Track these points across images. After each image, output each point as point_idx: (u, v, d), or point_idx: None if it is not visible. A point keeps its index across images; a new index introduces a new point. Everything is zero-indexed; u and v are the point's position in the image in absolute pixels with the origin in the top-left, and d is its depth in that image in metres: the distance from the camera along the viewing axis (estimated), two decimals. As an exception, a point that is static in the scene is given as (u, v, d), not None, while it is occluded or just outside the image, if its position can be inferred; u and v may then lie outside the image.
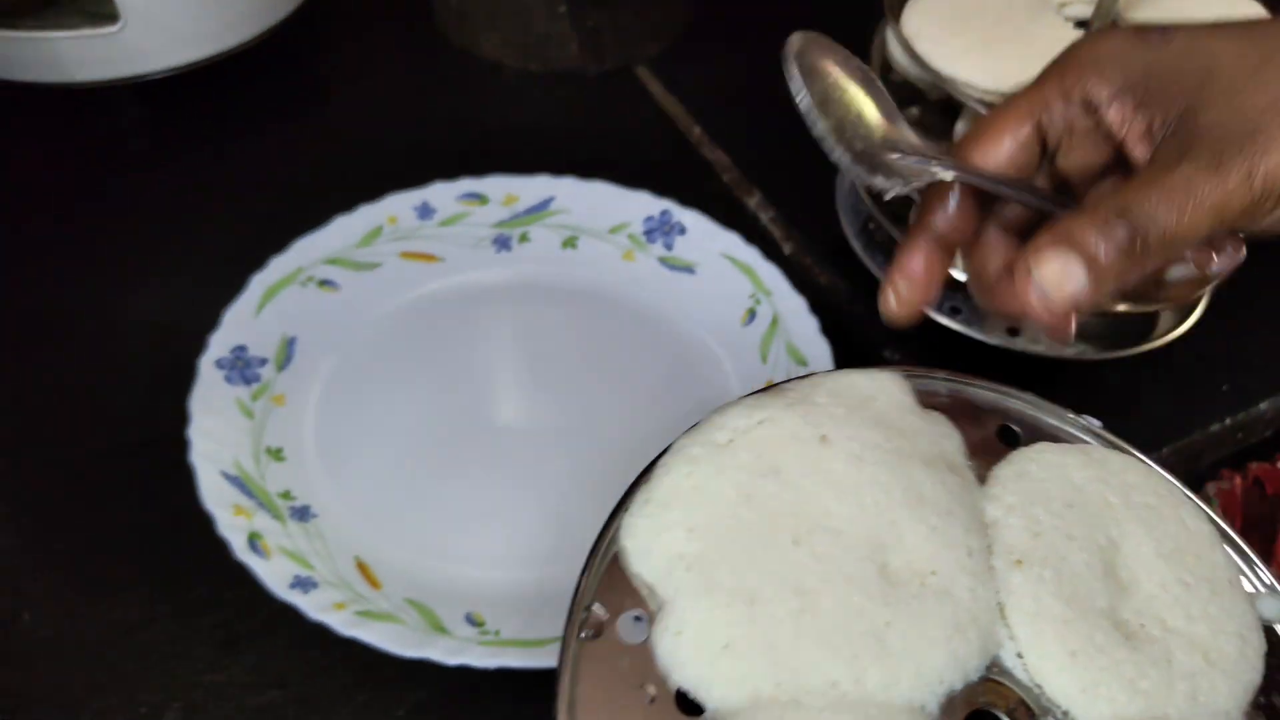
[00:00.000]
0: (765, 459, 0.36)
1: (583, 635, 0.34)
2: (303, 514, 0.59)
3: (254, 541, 0.55)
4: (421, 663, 0.54)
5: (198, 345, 0.63)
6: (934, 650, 0.34)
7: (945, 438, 0.40)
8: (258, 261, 0.67)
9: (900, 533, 0.35)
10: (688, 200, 0.72)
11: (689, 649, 0.33)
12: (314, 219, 0.70)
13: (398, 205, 0.72)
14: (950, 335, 0.67)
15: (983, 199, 0.43)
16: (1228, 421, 0.67)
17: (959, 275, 0.65)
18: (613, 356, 0.68)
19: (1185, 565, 0.38)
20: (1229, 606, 0.37)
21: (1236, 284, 0.70)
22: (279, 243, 0.68)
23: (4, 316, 0.69)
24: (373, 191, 0.72)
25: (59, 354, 0.67)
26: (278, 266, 0.68)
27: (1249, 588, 0.39)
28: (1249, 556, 0.41)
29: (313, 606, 0.53)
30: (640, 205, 0.73)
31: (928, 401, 0.42)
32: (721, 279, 0.70)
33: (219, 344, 0.63)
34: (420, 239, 0.72)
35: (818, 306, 0.67)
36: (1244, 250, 0.40)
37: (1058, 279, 0.37)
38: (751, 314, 0.68)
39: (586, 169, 0.74)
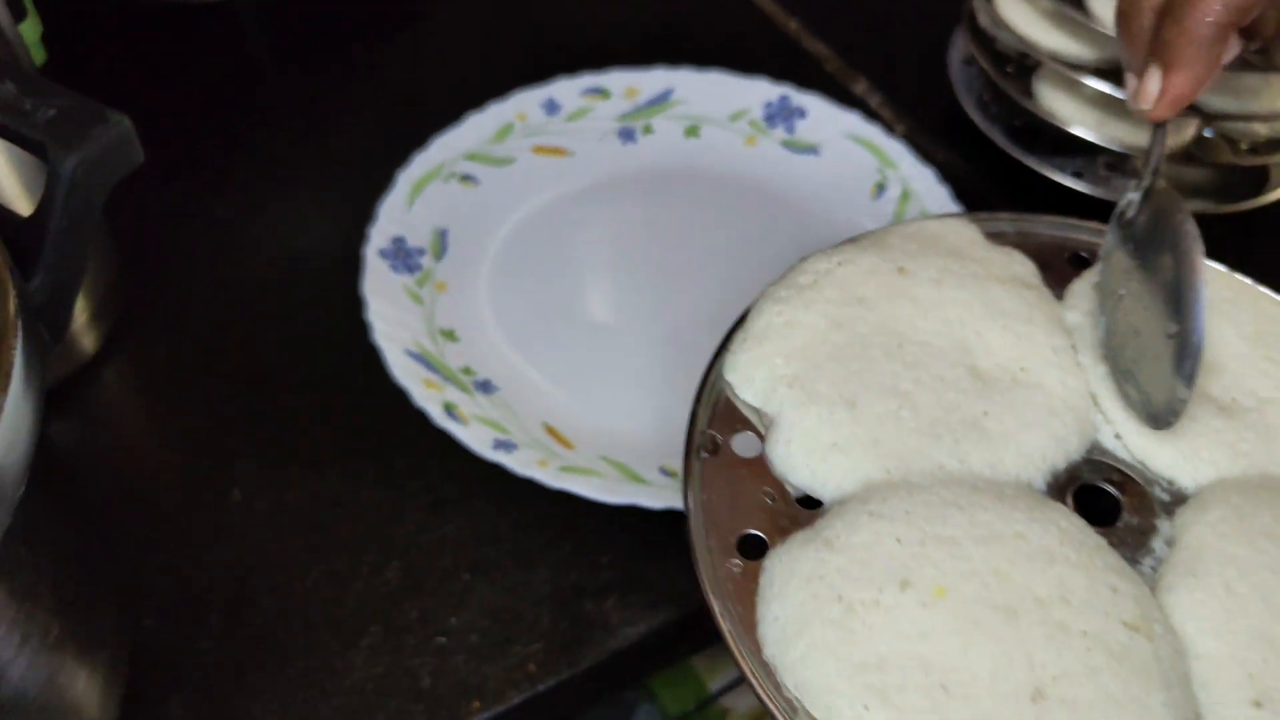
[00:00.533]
0: (848, 292, 0.39)
1: (702, 456, 0.37)
2: (485, 387, 0.61)
3: (450, 410, 0.58)
4: (618, 516, 0.57)
5: (358, 239, 0.65)
6: (1032, 432, 0.36)
7: (1018, 263, 0.42)
8: (400, 159, 0.70)
9: (986, 339, 0.38)
10: (798, 92, 0.75)
11: (800, 453, 0.36)
12: (443, 120, 0.72)
13: (525, 102, 0.74)
14: (1076, 197, 0.70)
15: None
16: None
17: (1090, 137, 0.68)
18: (745, 236, 0.71)
19: (1267, 344, 0.40)
20: None
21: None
22: (418, 141, 0.71)
23: (177, 227, 0.71)
24: (497, 91, 0.74)
25: (228, 256, 0.69)
26: (421, 163, 0.70)
27: None
28: None
29: (519, 464, 0.56)
30: (759, 91, 0.75)
31: (999, 241, 0.44)
32: (846, 158, 0.73)
33: (379, 235, 0.66)
34: (549, 134, 0.74)
35: (946, 179, 0.70)
36: None
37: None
38: (880, 187, 0.71)
39: (694, 66, 0.76)
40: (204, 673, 0.52)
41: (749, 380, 0.38)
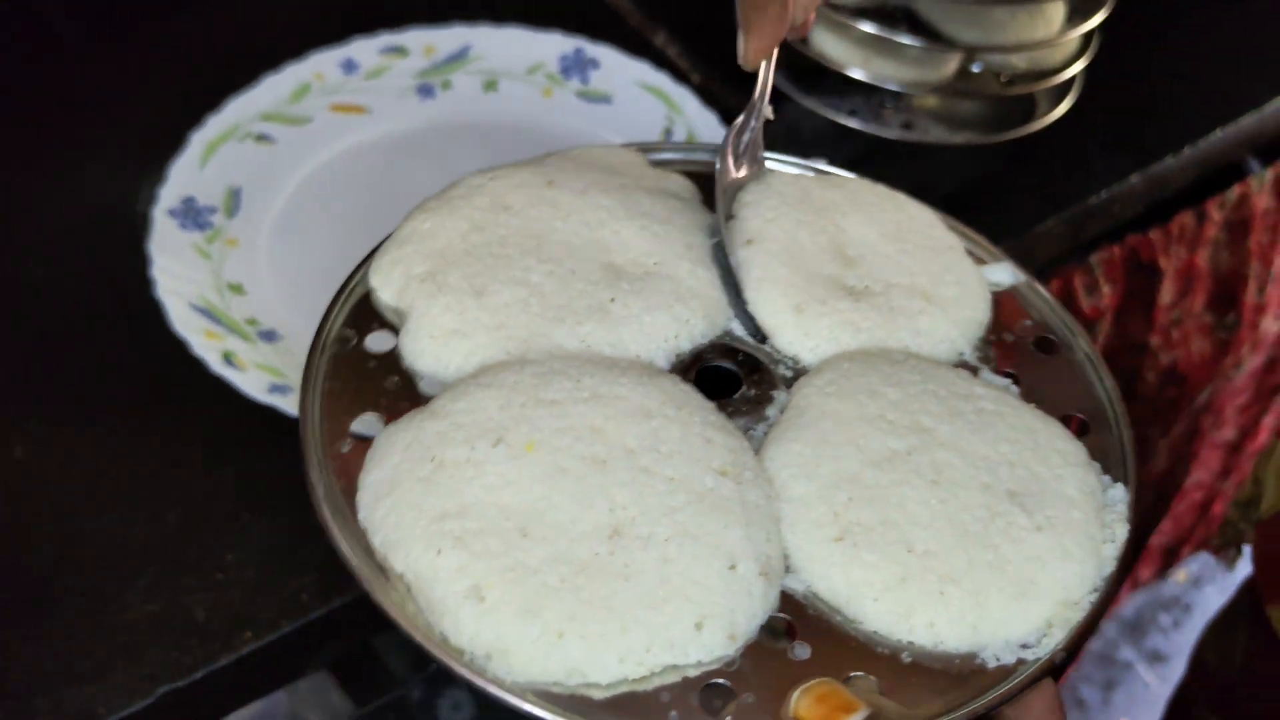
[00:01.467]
0: (496, 200, 0.41)
1: (330, 353, 0.39)
2: (270, 336, 0.63)
3: (228, 358, 0.59)
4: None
5: (151, 201, 0.66)
6: (655, 314, 0.39)
7: (673, 181, 0.44)
8: (195, 122, 0.71)
9: (623, 237, 0.40)
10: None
11: (425, 339, 0.38)
12: (242, 83, 0.73)
13: (323, 62, 0.76)
14: (851, 133, 0.73)
15: None
16: (1103, 195, 0.74)
17: (860, 76, 0.71)
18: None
19: (906, 240, 0.44)
20: (949, 263, 0.43)
21: (1105, 71, 0.77)
22: (213, 105, 0.72)
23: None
24: (295, 53, 0.75)
25: (18, 221, 0.70)
26: (215, 124, 0.71)
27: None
28: (975, 241, 0.47)
29: (291, 405, 0.57)
30: (554, 45, 0.77)
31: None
32: (637, 105, 0.75)
33: (169, 196, 0.67)
34: (347, 92, 0.76)
35: (728, 125, 0.72)
36: None
37: None
38: (668, 133, 0.74)
39: (496, 22, 0.78)
40: (-21, 620, 0.53)
41: (388, 280, 0.40)
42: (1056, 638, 0.34)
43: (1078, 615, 0.35)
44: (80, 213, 0.70)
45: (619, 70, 0.76)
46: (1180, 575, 1.40)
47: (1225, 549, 0.74)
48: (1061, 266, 0.77)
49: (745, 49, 0.44)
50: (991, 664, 0.34)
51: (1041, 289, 0.46)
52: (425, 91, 0.77)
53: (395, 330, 0.40)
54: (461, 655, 0.33)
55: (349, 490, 0.37)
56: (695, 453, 0.35)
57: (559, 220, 0.41)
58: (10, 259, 0.68)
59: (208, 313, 0.62)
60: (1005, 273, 0.45)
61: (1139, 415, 0.90)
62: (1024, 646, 0.34)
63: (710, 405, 0.38)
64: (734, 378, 0.40)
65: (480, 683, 0.32)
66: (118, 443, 0.60)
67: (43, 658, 0.52)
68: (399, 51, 0.77)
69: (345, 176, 0.72)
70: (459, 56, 0.78)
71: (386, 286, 0.40)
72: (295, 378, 0.60)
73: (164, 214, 0.66)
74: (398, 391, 0.38)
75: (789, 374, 0.40)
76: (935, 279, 0.42)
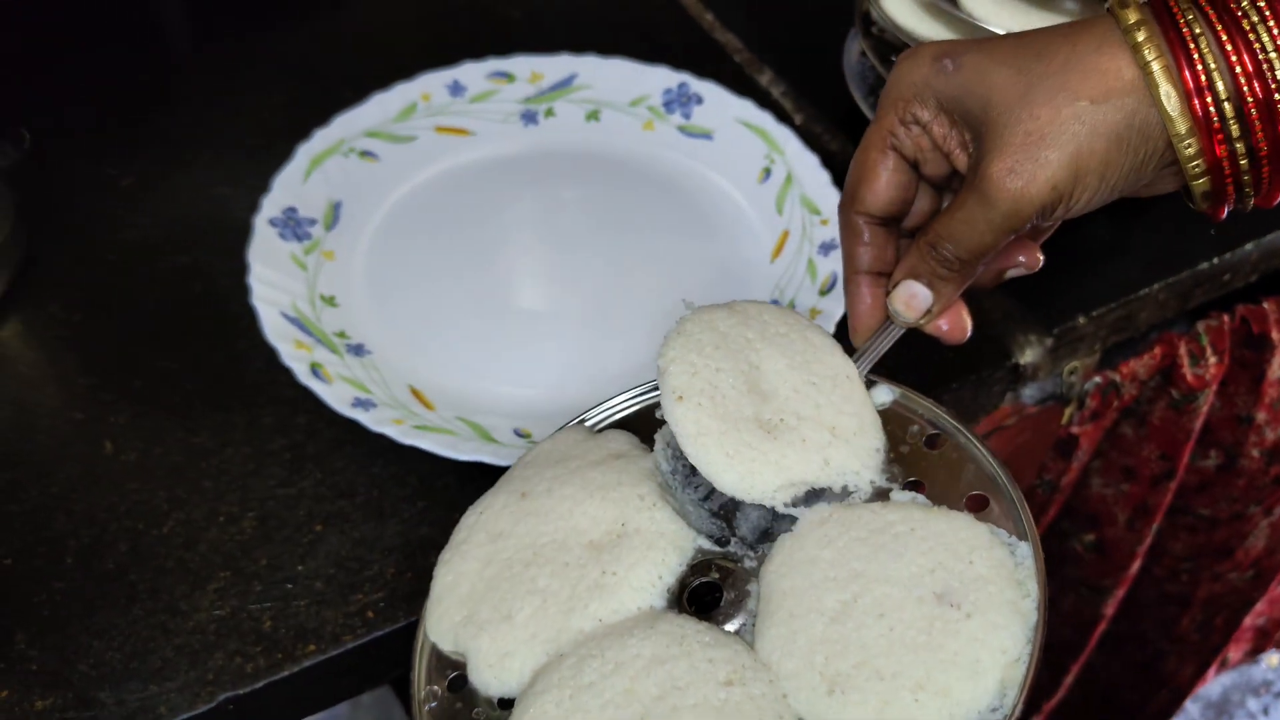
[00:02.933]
0: (491, 531, 0.47)
1: (428, 708, 0.45)
2: (358, 350, 0.63)
3: (316, 369, 0.60)
4: (474, 473, 0.59)
5: (255, 209, 0.68)
6: (637, 570, 0.45)
7: (613, 441, 0.50)
8: (305, 135, 0.72)
9: (591, 516, 0.46)
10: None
11: (485, 670, 0.44)
12: (354, 99, 0.75)
13: (431, 83, 0.77)
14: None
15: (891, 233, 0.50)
16: (1215, 261, 0.72)
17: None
18: (637, 215, 0.73)
19: (811, 370, 0.47)
20: (847, 394, 0.47)
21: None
22: (323, 119, 0.73)
23: (78, 191, 0.73)
24: (407, 73, 0.76)
25: (126, 221, 0.72)
26: (322, 138, 0.72)
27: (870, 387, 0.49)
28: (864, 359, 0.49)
29: (373, 421, 0.58)
30: (659, 78, 0.77)
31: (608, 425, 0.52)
32: (737, 142, 0.75)
33: (271, 205, 0.68)
34: (452, 114, 0.77)
35: (830, 167, 0.71)
36: (1038, 258, 0.50)
37: (907, 302, 0.47)
38: (767, 172, 0.73)
39: (605, 54, 0.78)
40: (54, 610, 0.54)
41: (441, 634, 0.46)
42: (1012, 694, 0.40)
43: (1022, 668, 0.41)
44: (182, 215, 0.72)
45: (722, 107, 0.76)
46: (1273, 659, 1.34)
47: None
48: (1165, 332, 0.74)
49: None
50: None
51: (914, 394, 0.49)
52: (529, 118, 0.77)
53: (462, 669, 0.45)
54: None
55: None
56: (703, 676, 0.41)
57: (541, 525, 0.47)
58: (111, 256, 0.70)
59: (299, 323, 0.63)
60: (886, 393, 0.48)
61: (1239, 491, 0.86)
62: (993, 710, 0.40)
63: (703, 626, 0.43)
64: (716, 587, 0.45)
65: None
66: (201, 445, 0.61)
67: (109, 652, 0.53)
68: (506, 77, 0.78)
69: (444, 197, 0.73)
70: (564, 85, 0.78)
71: (442, 639, 0.46)
72: (379, 392, 0.60)
73: (265, 223, 0.67)
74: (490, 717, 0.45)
75: (754, 564, 0.46)
76: (837, 410, 0.47)
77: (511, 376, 0.63)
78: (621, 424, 0.52)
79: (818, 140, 0.78)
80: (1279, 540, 0.94)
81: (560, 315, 0.67)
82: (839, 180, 0.70)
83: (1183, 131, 0.42)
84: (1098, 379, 0.72)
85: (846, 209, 0.49)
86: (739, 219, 0.72)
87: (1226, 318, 0.74)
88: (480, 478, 0.59)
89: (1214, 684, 1.40)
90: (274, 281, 0.64)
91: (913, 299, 0.47)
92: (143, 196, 0.73)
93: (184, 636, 0.53)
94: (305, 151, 0.71)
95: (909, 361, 0.65)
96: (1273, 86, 0.41)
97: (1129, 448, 0.79)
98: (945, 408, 0.48)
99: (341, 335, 0.64)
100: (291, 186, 0.70)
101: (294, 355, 0.60)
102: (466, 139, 0.76)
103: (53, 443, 0.61)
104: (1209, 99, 0.41)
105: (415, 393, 0.62)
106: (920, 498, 0.45)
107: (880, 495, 0.46)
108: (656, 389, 0.49)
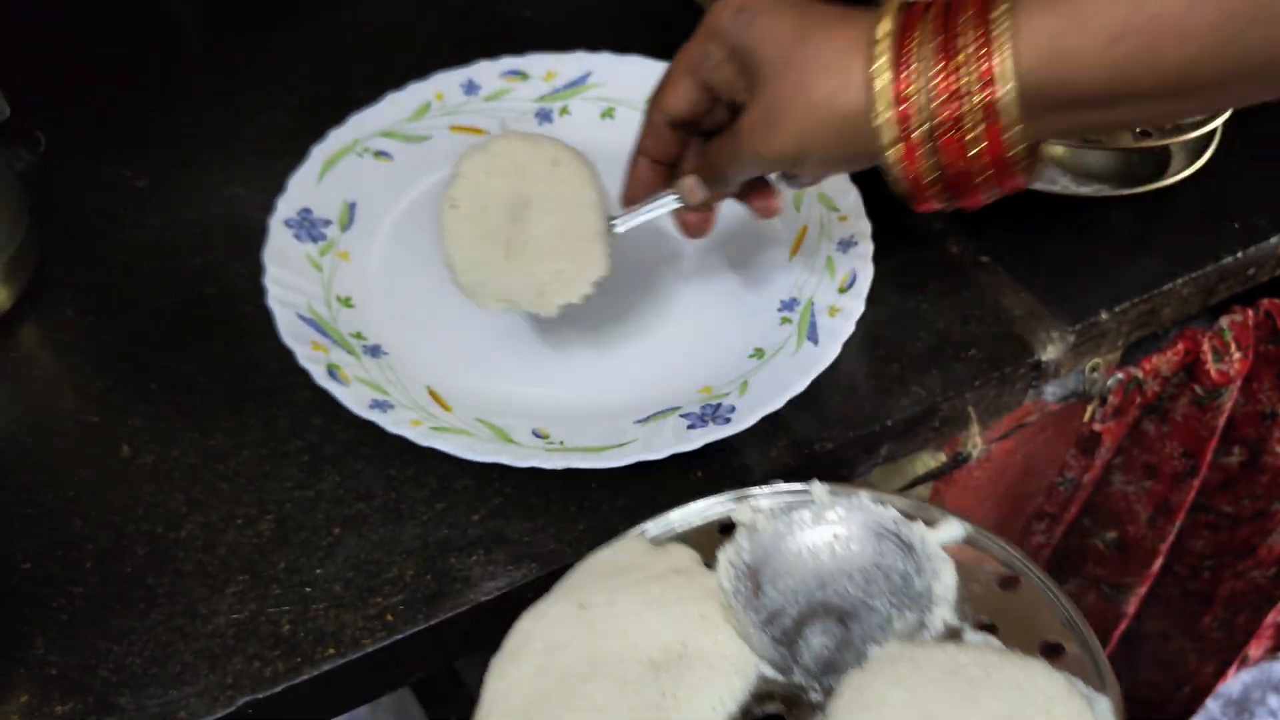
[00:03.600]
0: (547, 640, 0.46)
1: None
2: (374, 351, 0.63)
3: (333, 371, 0.60)
4: (493, 475, 0.58)
5: (269, 209, 0.67)
6: (700, 694, 0.44)
7: (675, 555, 0.49)
8: (320, 135, 0.72)
9: (652, 633, 0.45)
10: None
11: None
12: (367, 98, 0.74)
13: (445, 83, 0.76)
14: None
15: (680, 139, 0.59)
16: (1239, 255, 0.71)
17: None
18: (658, 221, 0.72)
19: (568, 216, 0.59)
20: (584, 246, 0.59)
21: (1245, 127, 0.74)
22: (336, 119, 0.73)
23: (90, 192, 0.73)
24: (420, 72, 0.76)
25: (141, 222, 0.71)
26: (336, 138, 0.72)
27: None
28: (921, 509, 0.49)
29: (391, 423, 0.57)
30: (674, 75, 0.77)
31: (668, 539, 0.50)
32: (754, 139, 0.74)
33: (286, 206, 0.68)
34: (467, 114, 0.76)
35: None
36: (771, 207, 0.61)
37: (689, 189, 0.58)
38: (784, 169, 0.72)
39: (619, 51, 0.77)
40: (71, 614, 0.54)
41: None
42: None
43: None
44: (195, 216, 0.72)
45: (738, 103, 0.75)
46: (1295, 658, 1.33)
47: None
48: (1188, 328, 0.73)
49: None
50: None
51: (986, 532, 0.48)
52: (543, 116, 0.77)
53: None
54: None
55: None
56: None
57: (600, 639, 0.45)
58: (123, 257, 0.69)
59: (315, 324, 0.63)
60: (957, 528, 0.48)
61: (1262, 489, 0.85)
62: None
63: None
64: (780, 717, 0.44)
65: None
66: (218, 447, 0.60)
67: (128, 656, 0.52)
68: (520, 75, 0.77)
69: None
70: (579, 83, 0.78)
71: None
72: (396, 394, 0.60)
73: (280, 224, 0.67)
74: None
75: (819, 697, 0.44)
76: (568, 257, 0.59)
77: (529, 377, 0.63)
78: (683, 538, 0.50)
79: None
80: (1303, 537, 0.93)
81: (578, 315, 0.66)
82: (857, 177, 0.69)
83: (885, 143, 0.49)
84: (1120, 375, 0.71)
85: (650, 110, 0.58)
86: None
87: (1250, 312, 0.74)
88: (499, 479, 0.58)
89: (1234, 681, 1.39)
90: (289, 283, 0.64)
91: (692, 189, 0.58)
92: (154, 198, 0.73)
93: (203, 640, 0.53)
94: (320, 152, 0.71)
95: (936, 360, 0.64)
96: (964, 111, 0.47)
97: (1151, 445, 0.78)
98: (1017, 548, 0.47)
99: (358, 336, 0.64)
100: (306, 187, 0.69)
101: (311, 357, 0.60)
102: (482, 138, 0.75)
103: (68, 446, 0.60)
104: (912, 123, 0.48)
105: (433, 394, 0.61)
106: (994, 640, 0.44)
107: (952, 634, 0.44)
108: (717, 508, 0.50)
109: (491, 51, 0.78)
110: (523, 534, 0.57)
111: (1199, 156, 0.71)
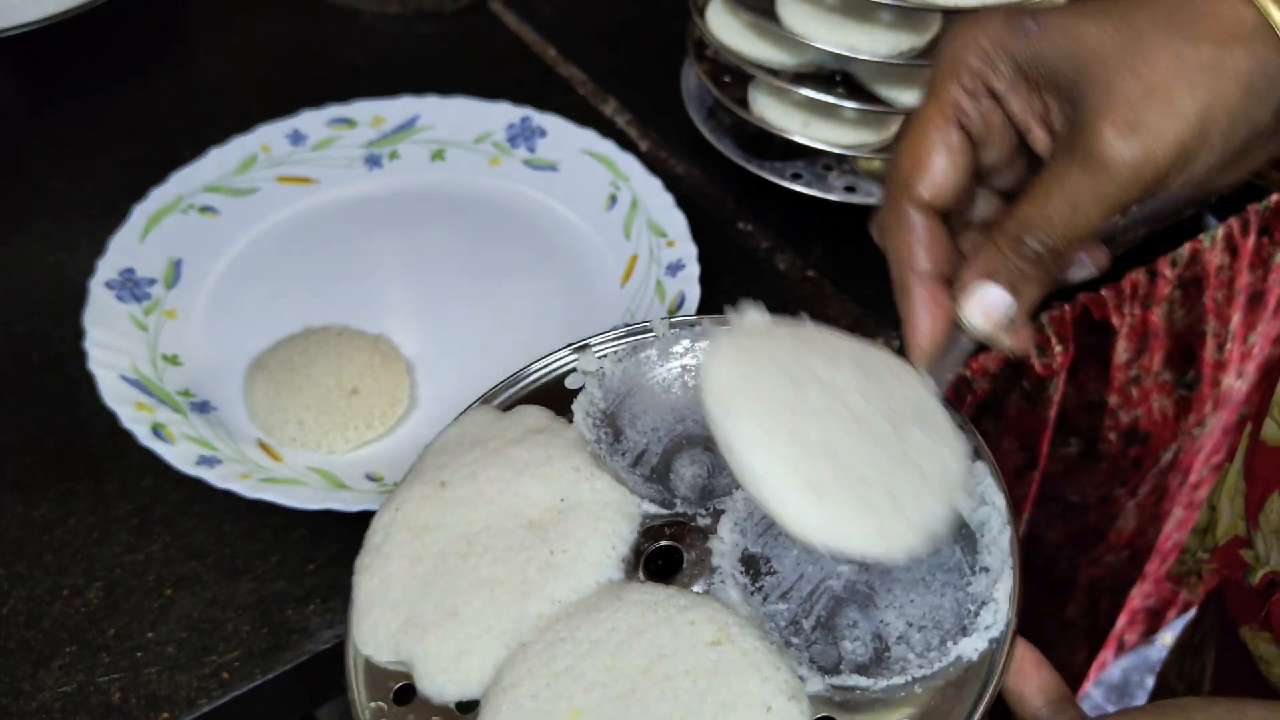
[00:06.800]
0: (413, 526, 0.44)
1: None
2: (203, 408, 0.62)
3: (158, 430, 0.59)
4: (329, 523, 0.58)
5: (92, 273, 0.66)
6: (588, 543, 0.42)
7: (528, 417, 0.47)
8: (142, 194, 0.71)
9: (525, 494, 0.44)
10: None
11: (437, 674, 0.40)
12: (192, 155, 0.74)
13: (270, 134, 0.76)
14: (796, 196, 0.73)
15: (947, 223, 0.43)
16: (1051, 253, 0.74)
17: (806, 142, 0.71)
18: (487, 250, 0.73)
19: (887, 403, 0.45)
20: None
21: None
22: (161, 177, 0.72)
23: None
24: (244, 127, 0.76)
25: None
26: (158, 196, 0.71)
27: None
28: None
29: (218, 478, 0.56)
30: (501, 114, 0.78)
31: (512, 402, 0.49)
32: (583, 171, 0.75)
33: (107, 267, 0.67)
34: (294, 164, 0.76)
35: (676, 190, 0.72)
36: (1107, 253, 0.42)
37: (985, 311, 0.39)
38: (613, 199, 0.73)
39: (449, 94, 0.78)
40: (-113, 702, 0.52)
41: (377, 646, 0.42)
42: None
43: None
44: (17, 282, 0.70)
45: (566, 138, 0.76)
46: (1166, 638, 1.37)
47: (1185, 577, 0.72)
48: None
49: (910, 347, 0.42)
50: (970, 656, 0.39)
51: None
52: (373, 161, 0.77)
53: (409, 678, 0.41)
54: None
55: None
56: (688, 639, 0.39)
57: (471, 512, 0.44)
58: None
59: (140, 384, 0.62)
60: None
61: (1103, 475, 0.89)
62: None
63: (673, 589, 0.41)
64: (671, 551, 0.43)
65: None
66: (42, 517, 0.59)
67: (-49, 741, 0.51)
68: (347, 123, 0.77)
69: (288, 246, 0.72)
70: (406, 127, 0.78)
71: (379, 650, 0.42)
72: (225, 449, 0.59)
73: (101, 286, 0.66)
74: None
75: (707, 520, 0.43)
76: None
77: (362, 421, 0.63)
78: (530, 399, 0.49)
79: (664, 165, 0.79)
80: (1147, 520, 0.97)
81: (410, 356, 0.66)
82: (684, 203, 0.71)
83: None
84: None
85: (899, 201, 0.41)
86: (589, 246, 0.72)
87: (1068, 306, 0.77)
88: (335, 526, 0.58)
89: (1114, 668, 1.44)
90: (112, 344, 0.63)
91: (992, 306, 0.39)
92: (-27, 267, 0.71)
93: (27, 719, 0.51)
94: (141, 211, 0.70)
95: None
96: None
97: (990, 442, 0.80)
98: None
99: (185, 394, 0.63)
100: (128, 247, 0.68)
101: (134, 417, 0.59)
102: (310, 187, 0.75)
103: (-117, 529, 0.58)
104: None
105: (263, 446, 0.61)
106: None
107: None
108: (556, 359, 0.49)
109: (319, 101, 0.78)
110: (361, 579, 0.56)
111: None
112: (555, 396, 0.48)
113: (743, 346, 0.41)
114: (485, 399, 0.49)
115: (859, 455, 0.39)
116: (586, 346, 0.49)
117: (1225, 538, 0.64)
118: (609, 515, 0.43)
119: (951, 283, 0.41)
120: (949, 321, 0.41)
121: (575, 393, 0.47)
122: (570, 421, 0.46)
